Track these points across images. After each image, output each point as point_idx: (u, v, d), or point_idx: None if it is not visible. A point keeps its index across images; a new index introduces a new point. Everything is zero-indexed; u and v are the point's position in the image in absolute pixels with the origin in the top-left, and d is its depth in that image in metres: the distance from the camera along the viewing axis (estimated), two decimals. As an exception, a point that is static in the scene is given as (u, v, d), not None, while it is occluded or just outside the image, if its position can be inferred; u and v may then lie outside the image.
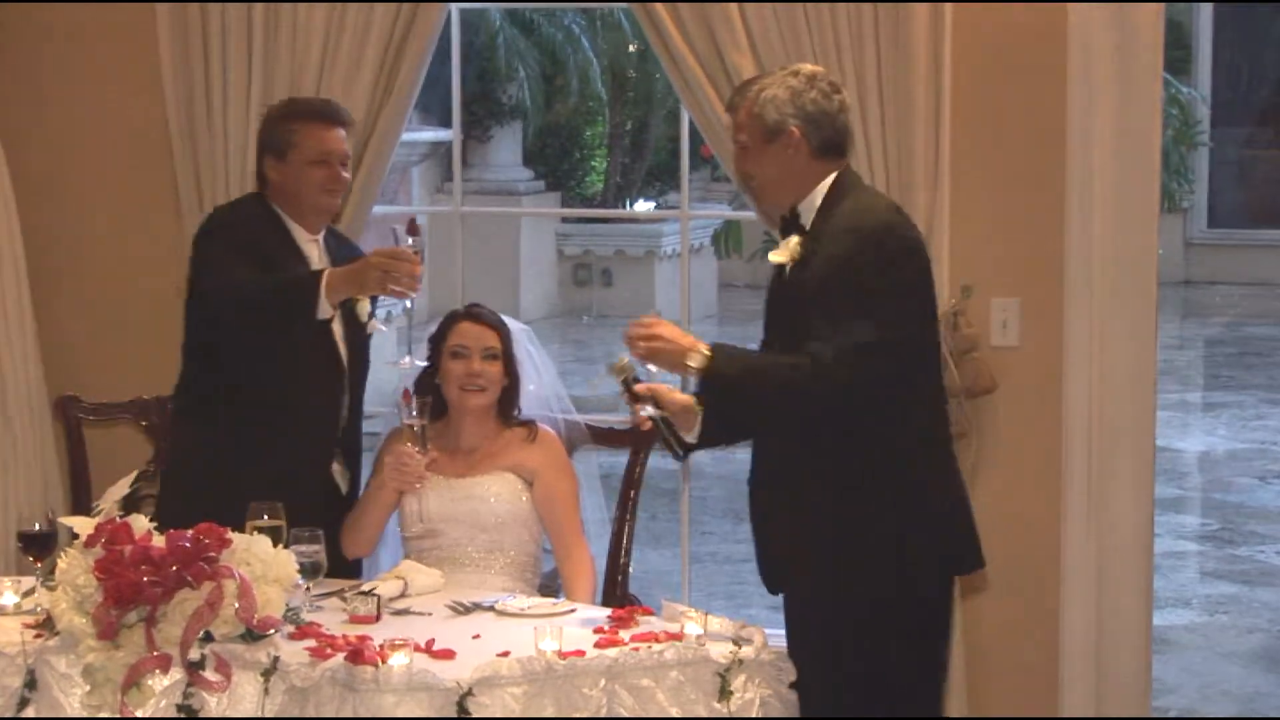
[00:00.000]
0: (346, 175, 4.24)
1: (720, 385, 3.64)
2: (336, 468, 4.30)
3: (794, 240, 3.68)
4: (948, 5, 4.54)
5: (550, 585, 4.33)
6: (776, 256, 3.70)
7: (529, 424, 4.31)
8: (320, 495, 4.20)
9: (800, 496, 3.64)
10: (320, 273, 4.05)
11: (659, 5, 4.62)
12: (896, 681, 3.61)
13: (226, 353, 4.15)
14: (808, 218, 3.69)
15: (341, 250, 4.33)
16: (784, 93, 3.66)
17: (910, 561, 3.60)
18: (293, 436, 4.16)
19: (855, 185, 3.74)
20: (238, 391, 4.15)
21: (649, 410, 3.67)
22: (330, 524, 3.99)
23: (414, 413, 4.01)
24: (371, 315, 4.27)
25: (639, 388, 3.69)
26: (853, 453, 3.59)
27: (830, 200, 3.67)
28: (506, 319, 4.36)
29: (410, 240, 3.95)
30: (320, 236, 4.29)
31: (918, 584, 3.62)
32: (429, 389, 4.22)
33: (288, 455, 4.13)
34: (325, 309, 4.01)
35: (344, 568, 3.99)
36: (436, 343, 4.30)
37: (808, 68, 3.76)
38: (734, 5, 4.56)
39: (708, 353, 3.58)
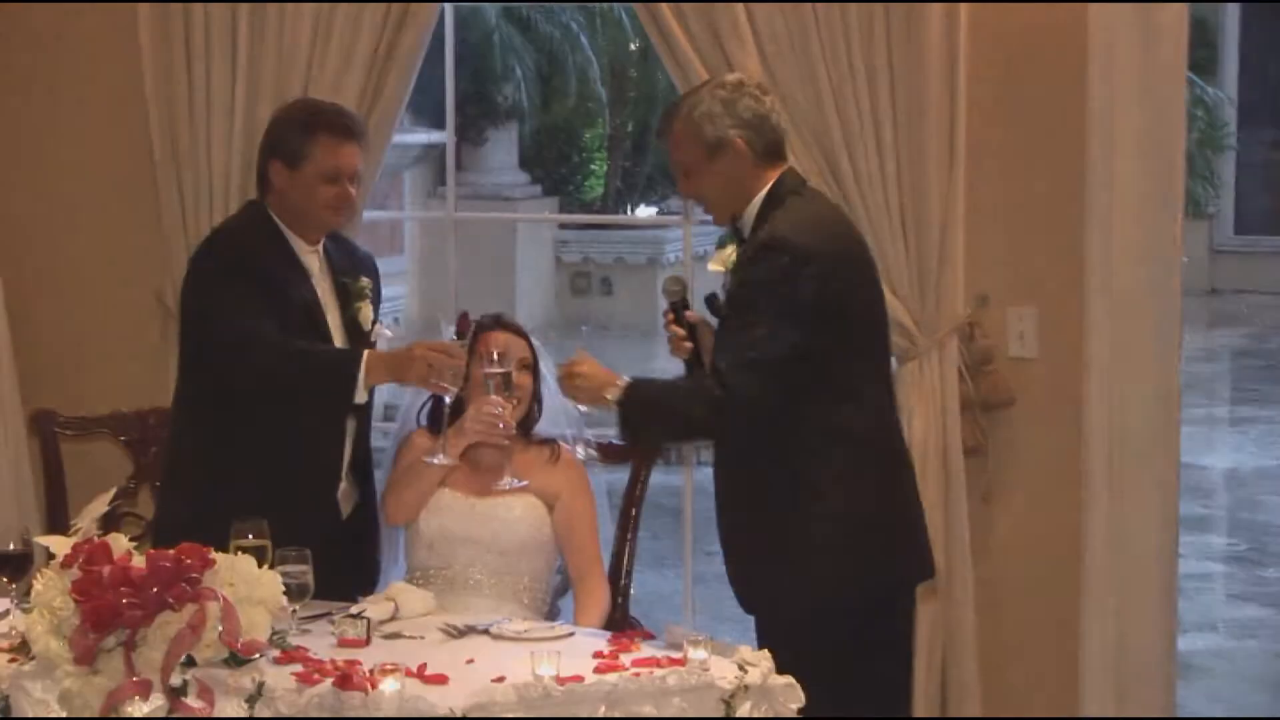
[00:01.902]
0: (354, 192, 4.15)
1: (632, 409, 3.77)
2: (344, 488, 4.22)
3: (729, 250, 3.78)
4: (962, 4, 4.51)
5: (551, 609, 4.25)
6: (714, 266, 3.81)
7: (551, 443, 4.23)
8: (325, 518, 4.13)
9: (735, 514, 3.82)
10: (359, 355, 3.98)
11: (662, 4, 4.58)
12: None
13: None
14: (747, 226, 3.75)
15: (342, 254, 4.25)
16: (717, 105, 3.73)
17: (839, 572, 3.71)
18: (296, 458, 4.09)
19: (793, 189, 3.76)
20: (239, 410, 4.07)
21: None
22: (332, 547, 3.90)
23: (495, 360, 3.95)
24: (375, 321, 4.19)
25: (689, 314, 3.88)
26: (766, 464, 3.72)
27: (767, 207, 3.73)
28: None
29: (456, 336, 3.99)
30: (320, 246, 4.20)
31: (844, 596, 3.72)
32: (453, 404, 4.09)
33: (291, 477, 4.06)
34: (362, 394, 3.96)
35: (333, 589, 3.89)
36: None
37: (732, 76, 3.89)
38: (739, 3, 4.52)
39: (622, 385, 3.72)
